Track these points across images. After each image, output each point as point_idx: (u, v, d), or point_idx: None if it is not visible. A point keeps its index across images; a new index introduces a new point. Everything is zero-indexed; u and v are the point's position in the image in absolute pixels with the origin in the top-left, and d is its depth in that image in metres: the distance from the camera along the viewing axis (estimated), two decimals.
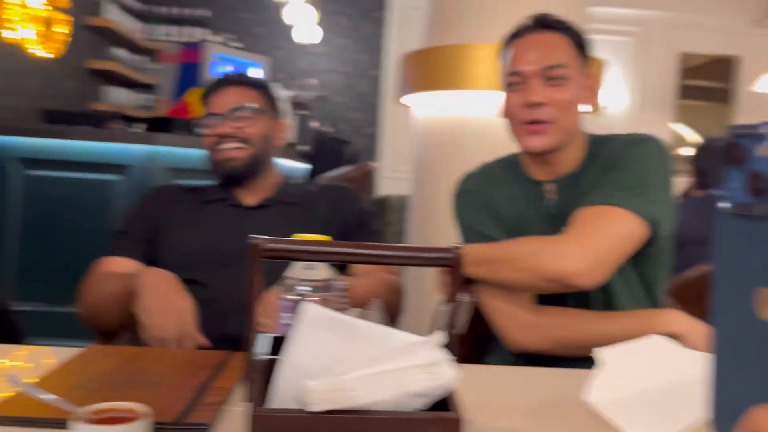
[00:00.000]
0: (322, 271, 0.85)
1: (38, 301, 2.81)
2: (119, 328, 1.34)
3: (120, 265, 1.39)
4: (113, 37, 4.96)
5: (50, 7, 3.97)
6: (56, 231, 2.94)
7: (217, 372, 0.93)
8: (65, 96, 4.37)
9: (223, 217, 1.47)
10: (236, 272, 1.35)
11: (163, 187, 1.59)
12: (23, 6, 3.74)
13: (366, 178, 3.69)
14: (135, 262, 1.40)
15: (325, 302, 0.82)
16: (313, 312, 0.67)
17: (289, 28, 5.32)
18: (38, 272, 2.92)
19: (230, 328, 1.30)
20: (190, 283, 1.37)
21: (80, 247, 2.73)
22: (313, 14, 5.02)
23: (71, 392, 0.81)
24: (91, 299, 1.34)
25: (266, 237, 0.66)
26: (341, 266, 1.28)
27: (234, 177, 1.48)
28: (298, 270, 0.84)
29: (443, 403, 0.64)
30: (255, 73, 4.27)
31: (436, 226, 2.38)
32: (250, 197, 1.51)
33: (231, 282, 1.35)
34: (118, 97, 4.99)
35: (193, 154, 2.92)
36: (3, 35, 3.62)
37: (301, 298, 0.81)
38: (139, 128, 3.51)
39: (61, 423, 0.70)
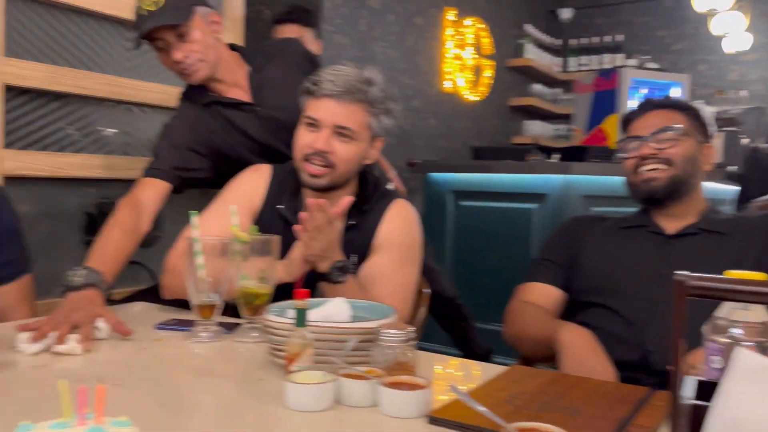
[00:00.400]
0: (758, 313, 0.75)
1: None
2: (538, 359, 1.42)
3: (540, 291, 1.48)
4: (532, 74, 5.30)
5: (477, 56, 4.48)
6: (483, 255, 3.27)
7: (639, 408, 0.91)
8: (490, 133, 4.84)
9: (642, 244, 1.43)
10: (654, 302, 1.30)
11: (580, 216, 1.64)
12: (458, 58, 4.30)
13: None
14: (554, 288, 1.48)
15: (762, 350, 0.73)
16: (749, 360, 0.60)
17: (713, 39, 4.88)
18: (469, 291, 3.28)
19: (646, 359, 1.25)
20: (602, 307, 1.38)
21: (504, 269, 2.97)
22: (741, 21, 4.52)
23: (498, 406, 0.89)
24: (515, 330, 1.45)
25: (691, 274, 0.62)
26: None
27: (653, 199, 1.43)
28: (729, 310, 0.77)
29: None
30: (675, 93, 4.03)
31: None
32: (671, 224, 1.43)
33: (648, 311, 1.30)
34: (535, 130, 5.29)
35: (608, 181, 2.90)
36: (444, 86, 4.22)
37: (733, 341, 0.74)
38: (555, 158, 3.66)
39: None
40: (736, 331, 0.74)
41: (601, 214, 1.61)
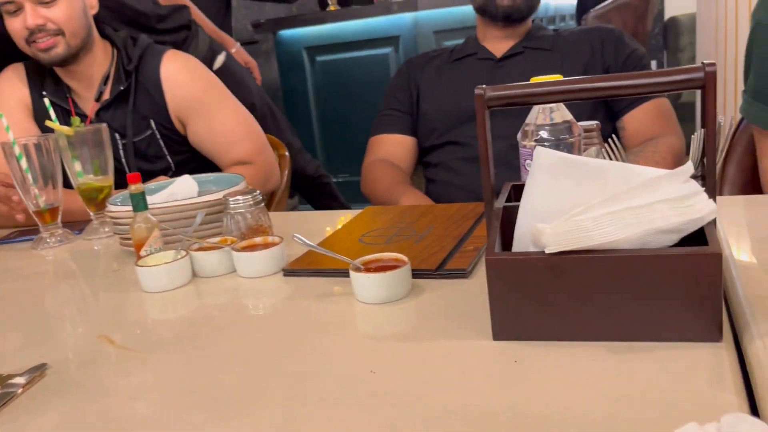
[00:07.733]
0: (561, 113, 0.81)
1: (342, 172, 3.21)
2: None
3: (391, 142, 1.52)
4: None
5: None
6: (346, 108, 3.26)
7: (479, 221, 0.98)
8: None
9: (473, 72, 1.47)
10: (491, 126, 1.37)
11: (414, 58, 1.63)
12: None
13: (647, 1, 3.26)
14: (403, 136, 1.52)
15: (565, 147, 0.79)
16: (546, 156, 0.65)
17: None
18: (336, 147, 3.31)
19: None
20: (449, 144, 1.44)
21: (367, 119, 2.99)
22: None
23: (351, 247, 0.93)
24: (368, 190, 1.50)
25: (487, 87, 0.65)
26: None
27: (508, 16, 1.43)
28: (535, 115, 0.82)
29: (699, 239, 0.59)
30: None
31: (727, 48, 2.05)
32: (500, 46, 1.47)
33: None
34: None
35: (458, 12, 2.90)
36: None
37: (538, 144, 0.79)
38: None
39: (344, 273, 0.82)
40: (542, 133, 0.79)
41: (436, 50, 1.62)
